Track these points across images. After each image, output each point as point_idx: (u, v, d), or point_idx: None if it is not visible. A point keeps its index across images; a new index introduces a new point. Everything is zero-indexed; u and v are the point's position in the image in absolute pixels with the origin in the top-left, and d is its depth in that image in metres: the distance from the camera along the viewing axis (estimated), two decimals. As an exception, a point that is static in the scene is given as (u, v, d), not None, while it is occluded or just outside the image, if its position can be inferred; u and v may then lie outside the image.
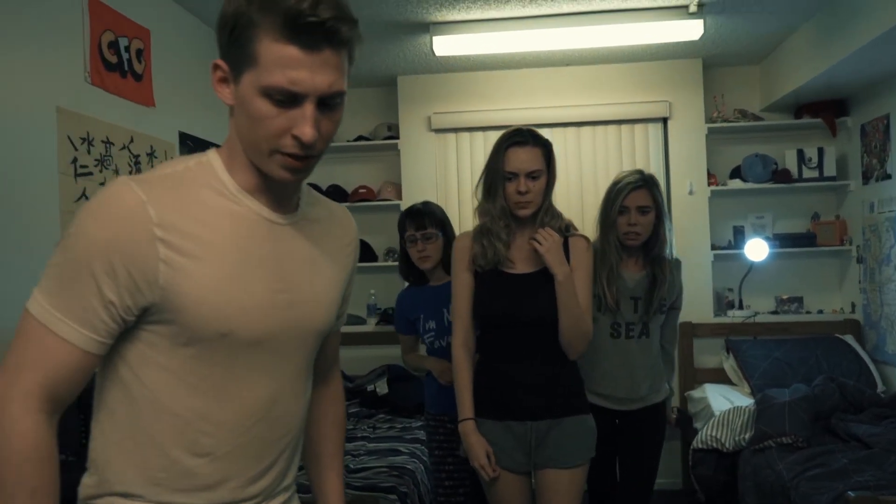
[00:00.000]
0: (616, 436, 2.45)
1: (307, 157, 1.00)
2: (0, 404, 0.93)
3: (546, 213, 2.08)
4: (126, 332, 1.01)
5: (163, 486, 1.03)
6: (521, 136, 2.04)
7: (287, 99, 0.95)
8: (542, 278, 2.03)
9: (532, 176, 2.01)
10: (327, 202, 1.26)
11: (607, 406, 2.41)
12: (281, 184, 1.05)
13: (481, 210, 2.12)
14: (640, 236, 2.42)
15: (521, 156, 2.02)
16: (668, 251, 2.49)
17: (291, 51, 0.93)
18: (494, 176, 2.06)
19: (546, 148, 2.07)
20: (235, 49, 0.97)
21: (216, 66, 1.01)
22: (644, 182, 2.42)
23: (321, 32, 0.93)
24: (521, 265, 2.08)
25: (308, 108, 0.96)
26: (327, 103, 0.98)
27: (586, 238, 2.15)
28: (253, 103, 0.96)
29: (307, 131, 0.96)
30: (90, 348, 0.97)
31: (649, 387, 2.45)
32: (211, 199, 1.03)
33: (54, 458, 0.96)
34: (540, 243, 2.00)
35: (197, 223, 1.00)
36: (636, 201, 2.40)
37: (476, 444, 2.03)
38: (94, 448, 1.06)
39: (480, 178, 2.12)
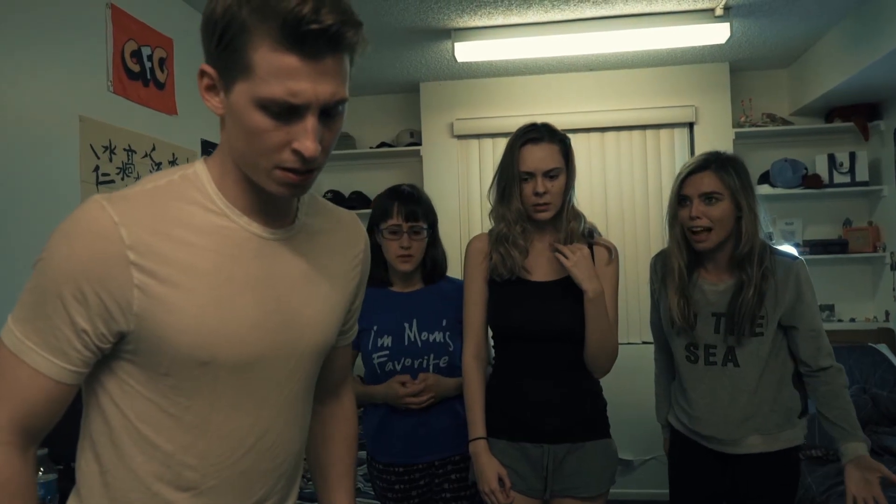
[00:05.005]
0: (722, 481, 2.01)
1: (308, 171, 0.92)
2: None
3: (567, 216, 1.88)
4: (104, 360, 0.95)
5: None
6: (536, 132, 1.86)
7: (287, 111, 0.87)
8: (565, 288, 1.84)
9: (550, 175, 1.83)
10: (334, 210, 1.18)
11: (702, 444, 2.00)
12: (278, 198, 0.98)
13: (496, 215, 1.92)
14: (709, 235, 1.89)
15: (537, 153, 1.83)
16: (762, 247, 1.92)
17: (291, 60, 0.85)
18: (509, 177, 1.87)
19: (563, 143, 1.88)
20: (226, 56, 0.88)
21: (203, 73, 0.92)
22: (708, 162, 1.90)
23: (324, 39, 0.85)
24: (541, 273, 1.89)
25: (310, 121, 0.88)
26: (329, 113, 0.90)
27: (611, 247, 1.92)
28: (248, 116, 0.88)
29: (309, 146, 0.88)
30: (63, 378, 0.91)
31: (751, 429, 1.92)
32: (195, 216, 0.95)
33: (29, 491, 0.91)
34: (567, 257, 1.81)
35: (177, 245, 0.92)
36: (698, 187, 1.89)
37: (487, 466, 1.83)
38: (77, 476, 1.01)
39: (493, 180, 1.94)
